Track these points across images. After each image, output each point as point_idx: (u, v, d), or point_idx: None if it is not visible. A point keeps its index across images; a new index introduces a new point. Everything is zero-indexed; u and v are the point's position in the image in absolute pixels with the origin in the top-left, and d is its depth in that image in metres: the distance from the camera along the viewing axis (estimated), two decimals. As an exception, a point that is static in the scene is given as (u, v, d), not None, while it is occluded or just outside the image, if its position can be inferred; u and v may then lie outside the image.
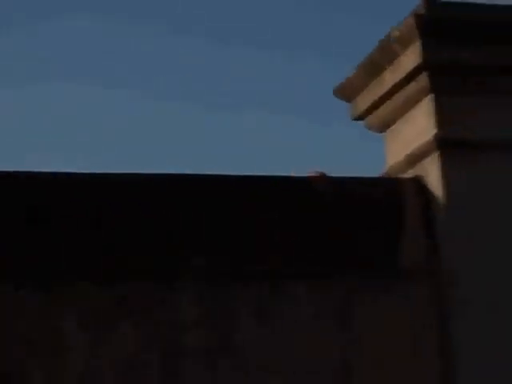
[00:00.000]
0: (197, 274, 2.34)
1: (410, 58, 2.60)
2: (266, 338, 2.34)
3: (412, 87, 2.65)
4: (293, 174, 2.62)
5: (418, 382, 2.44)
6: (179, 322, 2.30)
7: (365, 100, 2.86)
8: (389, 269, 2.52)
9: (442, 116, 2.61)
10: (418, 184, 2.65)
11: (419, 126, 2.68)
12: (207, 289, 2.34)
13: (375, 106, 2.83)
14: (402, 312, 2.51)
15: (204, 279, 2.34)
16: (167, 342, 2.25)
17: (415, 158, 2.69)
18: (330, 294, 2.40)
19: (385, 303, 2.47)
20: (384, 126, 2.88)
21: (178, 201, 2.39)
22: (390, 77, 2.70)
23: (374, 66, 2.75)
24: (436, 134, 2.59)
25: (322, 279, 2.41)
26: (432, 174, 2.61)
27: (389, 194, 2.59)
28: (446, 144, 2.58)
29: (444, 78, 2.61)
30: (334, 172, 2.69)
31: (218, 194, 2.44)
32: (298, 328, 2.38)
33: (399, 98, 2.72)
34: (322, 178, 2.66)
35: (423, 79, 2.60)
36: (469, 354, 2.49)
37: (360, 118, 2.94)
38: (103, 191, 2.33)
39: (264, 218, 2.44)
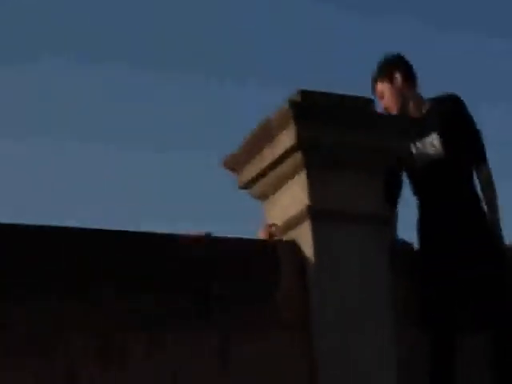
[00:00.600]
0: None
1: (287, 138, 3.02)
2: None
3: (288, 163, 3.07)
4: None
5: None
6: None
7: (249, 172, 3.26)
8: (262, 318, 2.89)
9: (314, 189, 3.03)
10: (293, 246, 3.06)
11: (295, 196, 3.09)
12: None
13: (257, 177, 3.23)
14: (275, 356, 2.88)
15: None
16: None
17: (291, 224, 3.09)
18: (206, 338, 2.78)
19: (258, 348, 2.84)
20: (265, 195, 3.28)
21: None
22: (270, 154, 3.12)
23: (255, 145, 3.17)
24: (308, 205, 3.00)
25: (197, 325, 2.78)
26: (305, 238, 3.02)
27: (266, 253, 2.99)
28: (316, 213, 3.01)
29: (315, 156, 3.04)
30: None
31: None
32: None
33: (277, 172, 3.13)
34: (202, 238, 3.01)
35: (297, 156, 3.02)
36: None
37: (245, 187, 3.34)
38: None
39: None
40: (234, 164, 3.34)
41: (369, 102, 3.11)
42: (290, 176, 3.11)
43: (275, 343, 2.90)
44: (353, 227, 3.05)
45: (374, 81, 3.61)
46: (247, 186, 3.33)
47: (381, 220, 3.12)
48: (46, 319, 2.55)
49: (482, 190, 3.43)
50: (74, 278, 2.63)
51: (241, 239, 3.11)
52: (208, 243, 2.97)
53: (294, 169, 3.07)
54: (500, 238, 3.38)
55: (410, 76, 3.59)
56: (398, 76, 3.56)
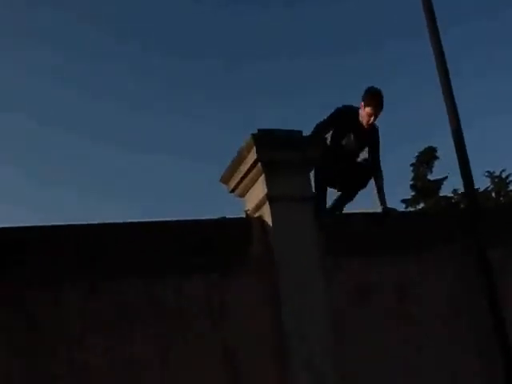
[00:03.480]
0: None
1: (252, 156, 5.21)
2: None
3: (254, 172, 5.26)
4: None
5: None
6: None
7: (233, 182, 5.47)
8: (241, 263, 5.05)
9: (269, 184, 5.20)
10: (260, 219, 5.21)
11: (259, 191, 5.26)
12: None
13: (237, 185, 5.44)
14: (252, 286, 4.98)
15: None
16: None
17: (258, 207, 5.26)
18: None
19: (240, 283, 4.98)
20: (243, 194, 5.47)
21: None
22: (243, 168, 5.31)
23: (235, 164, 5.37)
24: (266, 193, 5.17)
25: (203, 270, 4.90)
26: (266, 213, 5.18)
27: (245, 223, 5.16)
28: (271, 197, 5.17)
29: (268, 165, 5.22)
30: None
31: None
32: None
33: (248, 178, 5.33)
34: (215, 220, 5.18)
35: (258, 167, 5.21)
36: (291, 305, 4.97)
37: (232, 191, 5.54)
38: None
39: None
40: (225, 179, 5.55)
41: (300, 132, 5.33)
42: (255, 179, 5.29)
43: (250, 280, 5.01)
44: (292, 203, 5.22)
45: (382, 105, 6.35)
46: (233, 190, 5.54)
47: (307, 198, 5.31)
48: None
49: (377, 177, 6.31)
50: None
51: (235, 218, 5.33)
52: (219, 222, 5.21)
53: (257, 174, 5.26)
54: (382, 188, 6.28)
55: None
56: None
